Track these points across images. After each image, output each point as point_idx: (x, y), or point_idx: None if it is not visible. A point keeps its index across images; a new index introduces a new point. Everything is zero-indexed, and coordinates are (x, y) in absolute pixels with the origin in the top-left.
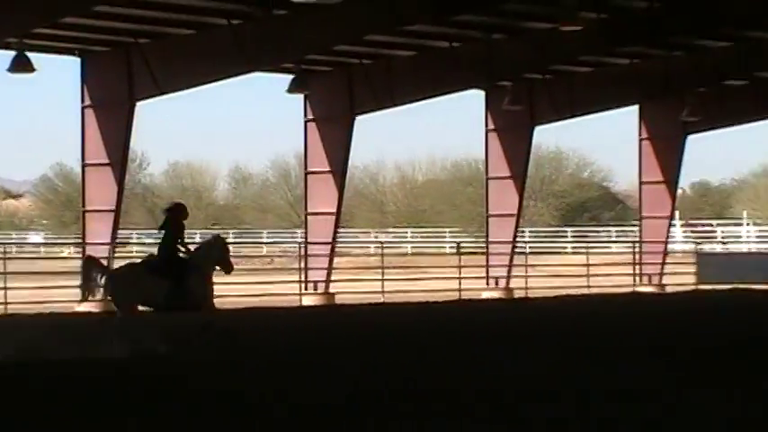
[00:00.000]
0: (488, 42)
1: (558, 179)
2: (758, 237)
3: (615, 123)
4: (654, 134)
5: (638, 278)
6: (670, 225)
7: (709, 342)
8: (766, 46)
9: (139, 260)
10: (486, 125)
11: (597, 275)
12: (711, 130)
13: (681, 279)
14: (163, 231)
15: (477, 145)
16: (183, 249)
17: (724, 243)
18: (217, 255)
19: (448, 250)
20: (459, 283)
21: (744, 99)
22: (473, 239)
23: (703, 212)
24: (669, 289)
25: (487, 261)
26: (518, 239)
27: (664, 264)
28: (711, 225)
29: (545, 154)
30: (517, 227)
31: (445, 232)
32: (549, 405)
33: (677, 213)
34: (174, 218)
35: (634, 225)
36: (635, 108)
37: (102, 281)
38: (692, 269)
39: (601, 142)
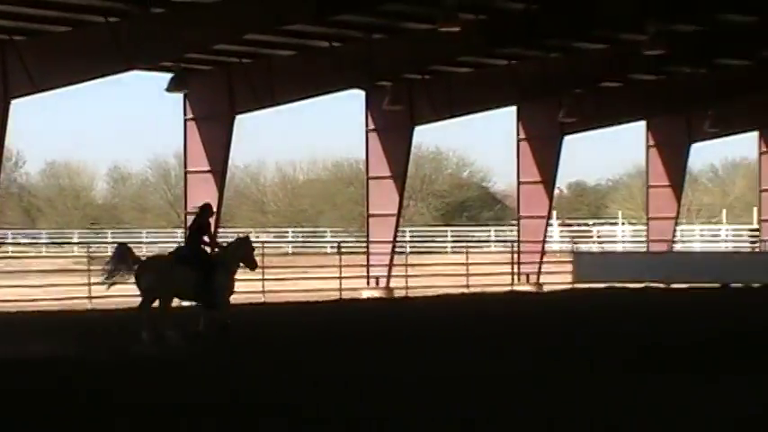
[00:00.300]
0: (368, 42)
1: (438, 179)
2: (632, 236)
3: (494, 124)
4: (531, 135)
5: (516, 277)
6: (547, 225)
7: (582, 339)
8: (640, 48)
9: (168, 252)
10: (367, 125)
11: (476, 275)
12: (587, 130)
13: (558, 278)
14: (189, 230)
15: (357, 145)
16: (210, 245)
17: (600, 242)
18: (242, 253)
19: (329, 250)
20: (340, 283)
21: (618, 100)
22: (354, 239)
23: (580, 212)
24: (546, 288)
25: (368, 261)
26: (398, 239)
27: (541, 263)
28: (587, 225)
29: (425, 154)
30: (397, 226)
31: (326, 232)
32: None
33: (554, 213)
34: (200, 218)
35: (512, 225)
36: (513, 109)
37: (135, 268)
38: (569, 268)
39: (480, 142)
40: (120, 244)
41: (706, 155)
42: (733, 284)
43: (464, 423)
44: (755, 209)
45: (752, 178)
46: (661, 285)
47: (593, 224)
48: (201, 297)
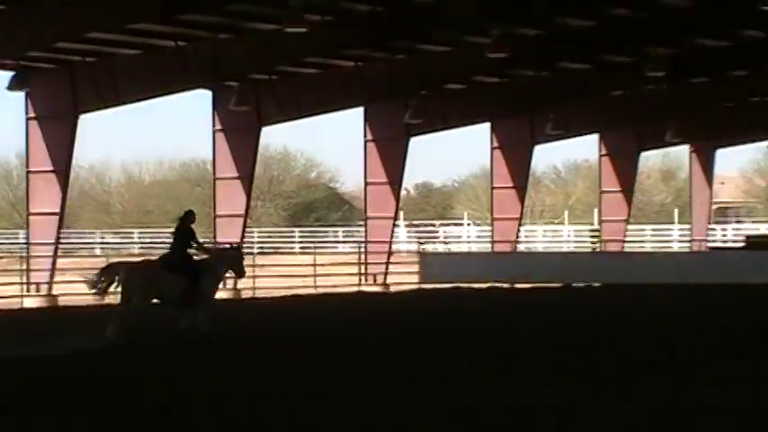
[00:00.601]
0: (215, 42)
1: (286, 180)
2: (477, 237)
3: (342, 125)
4: (378, 136)
5: (363, 278)
6: (394, 225)
7: (430, 338)
8: (483, 51)
9: (155, 258)
10: (214, 125)
11: (324, 275)
12: (433, 132)
13: (404, 278)
14: (174, 236)
15: (204, 145)
16: (197, 249)
17: (446, 243)
18: (231, 260)
19: None
20: None
21: (463, 102)
22: (201, 240)
23: (426, 213)
24: (393, 288)
25: None
26: (246, 240)
27: (388, 263)
28: (434, 225)
29: (273, 155)
30: (245, 227)
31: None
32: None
33: (401, 214)
34: (184, 224)
35: (360, 225)
36: (360, 110)
37: (121, 277)
38: (416, 269)
39: (328, 144)
40: (108, 264)
41: (549, 156)
42: (575, 284)
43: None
44: (596, 210)
45: (593, 180)
46: (505, 285)
47: (440, 225)
48: (186, 300)
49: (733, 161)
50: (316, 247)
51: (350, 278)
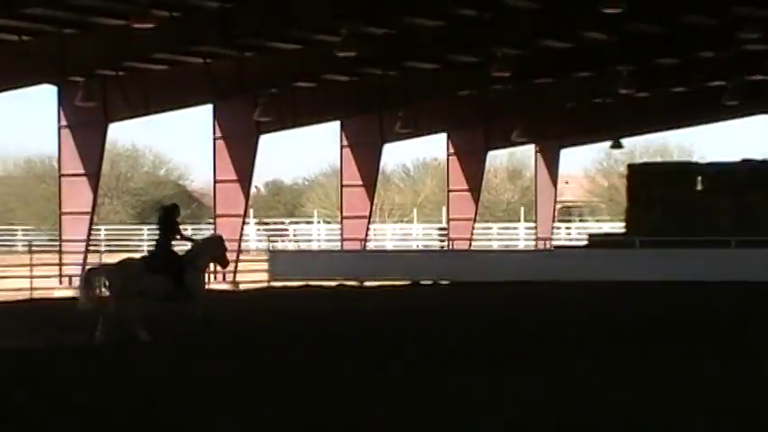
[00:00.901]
0: (60, 37)
1: (134, 177)
2: (327, 235)
3: (191, 122)
4: (228, 133)
5: (213, 276)
6: (244, 223)
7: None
8: (333, 49)
9: (138, 257)
10: (59, 121)
11: None
12: (283, 129)
13: (254, 276)
14: (158, 230)
15: (50, 141)
16: (181, 241)
17: (296, 241)
18: (213, 251)
19: (20, 248)
20: (31, 282)
21: (313, 100)
22: (47, 237)
23: (276, 211)
24: (243, 286)
25: (60, 259)
26: (92, 237)
27: (237, 261)
28: (284, 223)
29: (121, 151)
30: (91, 225)
31: (18, 230)
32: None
33: (251, 212)
34: (167, 217)
35: (209, 223)
36: (210, 107)
37: (104, 282)
38: (265, 266)
39: (177, 140)
40: (89, 270)
41: (398, 155)
42: (423, 282)
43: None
44: (444, 208)
45: (441, 178)
46: (354, 283)
47: (289, 223)
48: (174, 298)
49: (577, 161)
50: None
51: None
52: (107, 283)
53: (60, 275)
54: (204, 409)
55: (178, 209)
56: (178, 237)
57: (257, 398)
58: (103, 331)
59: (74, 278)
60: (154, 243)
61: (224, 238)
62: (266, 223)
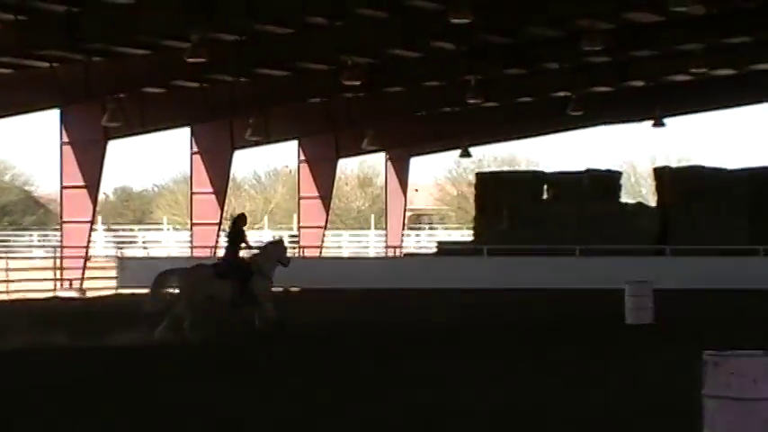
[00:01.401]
0: None
1: None
2: (177, 242)
3: (38, 127)
4: (75, 138)
5: (59, 283)
6: (91, 230)
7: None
8: (182, 55)
9: (209, 264)
10: None
11: (17, 281)
12: (132, 135)
13: (102, 283)
14: (227, 239)
15: None
16: (247, 249)
17: (145, 248)
18: (278, 255)
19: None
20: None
21: (163, 106)
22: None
23: (125, 217)
24: (90, 294)
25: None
26: None
27: (85, 269)
28: (133, 230)
29: None
30: None
31: None
32: None
33: (99, 218)
34: (236, 226)
35: (56, 230)
36: (56, 112)
37: (174, 283)
38: (114, 274)
39: (23, 146)
40: (162, 272)
41: (249, 162)
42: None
43: None
44: (295, 215)
45: (292, 186)
46: None
47: (139, 229)
48: (239, 303)
49: (427, 169)
50: (8, 252)
51: (45, 284)
52: (178, 286)
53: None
54: None
55: (245, 219)
56: (244, 245)
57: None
58: (165, 329)
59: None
60: (224, 250)
61: (283, 241)
62: (115, 230)
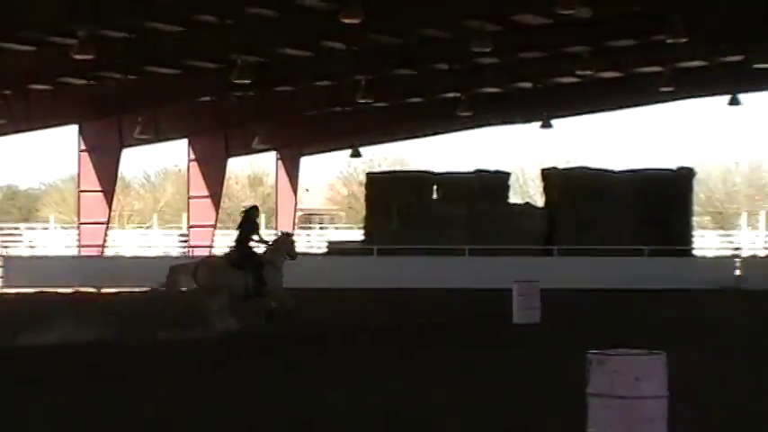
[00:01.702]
0: None
1: None
2: (65, 241)
3: None
4: None
5: None
6: None
7: None
8: (69, 51)
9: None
10: None
11: None
12: (17, 133)
13: None
14: (239, 229)
15: None
16: (258, 243)
17: (31, 247)
18: (287, 249)
19: None
20: None
21: (49, 104)
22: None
23: (11, 216)
24: None
25: None
26: None
27: None
28: (19, 228)
29: None
30: None
31: None
32: None
33: None
34: (249, 217)
35: None
36: None
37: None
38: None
39: None
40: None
41: (139, 161)
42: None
43: None
44: (185, 215)
45: (182, 184)
46: (92, 290)
47: (25, 228)
48: (254, 293)
49: (318, 169)
50: None
51: None
52: (196, 279)
53: None
54: None
55: (258, 210)
56: (256, 238)
57: None
58: (224, 322)
59: None
60: (234, 241)
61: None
62: (0, 228)
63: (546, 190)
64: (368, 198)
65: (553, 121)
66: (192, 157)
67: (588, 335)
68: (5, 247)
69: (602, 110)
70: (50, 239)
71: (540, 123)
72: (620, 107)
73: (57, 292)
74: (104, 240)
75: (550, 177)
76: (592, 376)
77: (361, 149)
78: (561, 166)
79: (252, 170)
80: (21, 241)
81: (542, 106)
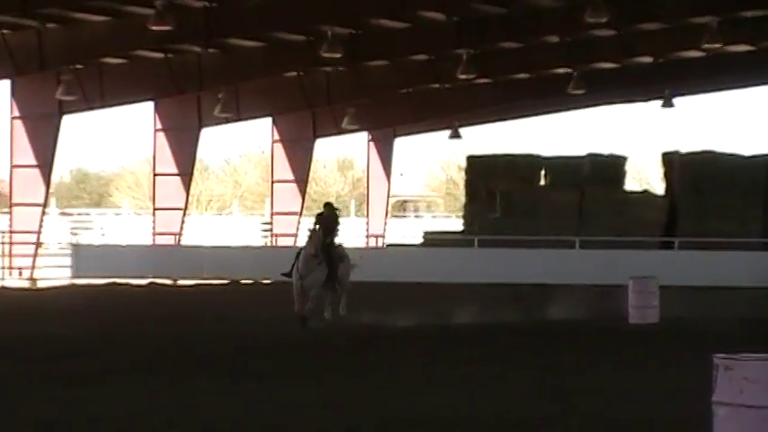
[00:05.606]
0: None
1: None
2: (138, 228)
3: None
4: (27, 113)
5: (7, 272)
6: (44, 213)
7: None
8: (145, 22)
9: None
10: None
11: None
12: (90, 110)
13: (55, 272)
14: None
15: None
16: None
17: (102, 234)
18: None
19: None
20: None
21: (123, 79)
22: None
23: (81, 200)
24: (42, 284)
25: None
26: None
27: (36, 256)
28: (89, 214)
29: None
30: None
31: None
32: None
33: (53, 201)
34: (334, 214)
35: (4, 213)
36: (7, 83)
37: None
38: (68, 262)
39: None
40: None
41: (219, 142)
42: (243, 281)
43: None
44: (268, 200)
45: (265, 168)
46: (167, 281)
47: (96, 214)
48: (329, 285)
49: (413, 152)
50: None
51: None
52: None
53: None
54: None
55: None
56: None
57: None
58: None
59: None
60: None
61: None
62: (69, 214)
63: (666, 176)
64: (468, 184)
65: (675, 100)
66: (277, 137)
67: (712, 337)
68: (75, 234)
69: (731, 87)
70: (123, 226)
71: (660, 102)
72: (753, 84)
73: (129, 284)
74: (181, 228)
75: (672, 162)
76: (718, 383)
77: (462, 130)
78: (684, 149)
79: (341, 153)
80: (91, 228)
81: (663, 83)
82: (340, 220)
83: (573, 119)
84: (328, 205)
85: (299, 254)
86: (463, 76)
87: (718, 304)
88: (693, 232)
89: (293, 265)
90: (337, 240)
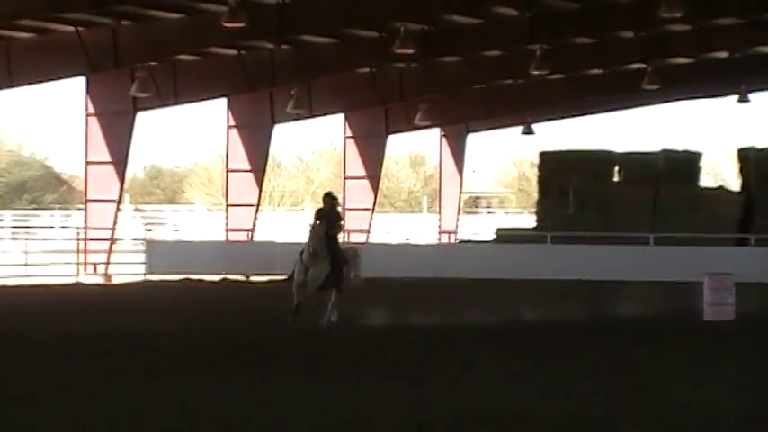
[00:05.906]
0: None
1: None
2: (211, 224)
3: (61, 96)
4: (102, 110)
5: (82, 267)
6: (118, 210)
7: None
8: (219, 19)
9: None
10: None
11: (37, 264)
12: (164, 107)
13: (130, 269)
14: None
15: None
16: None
17: (176, 230)
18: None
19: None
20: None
21: (197, 75)
22: None
23: (155, 197)
24: (116, 280)
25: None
26: None
27: (110, 252)
28: (163, 211)
29: None
30: None
31: None
32: None
33: (126, 197)
34: (334, 208)
35: (80, 209)
36: (82, 80)
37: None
38: (142, 258)
39: (45, 117)
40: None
41: (291, 138)
42: None
43: None
44: (341, 197)
45: (337, 164)
46: (240, 277)
47: (170, 211)
48: (327, 286)
49: (486, 148)
50: (28, 233)
51: (67, 268)
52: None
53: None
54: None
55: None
56: (337, 230)
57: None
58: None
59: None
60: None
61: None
62: (143, 210)
63: (743, 172)
64: (541, 180)
65: (751, 95)
66: (349, 134)
67: None
68: (149, 230)
69: None
70: (196, 223)
71: (736, 98)
72: None
73: (202, 280)
74: (254, 224)
75: (748, 158)
76: None
77: (535, 126)
78: (760, 145)
79: (414, 149)
80: (165, 225)
81: (739, 78)
82: (340, 213)
83: (647, 114)
84: (328, 195)
85: (302, 253)
86: (536, 72)
87: None
88: None
89: (293, 269)
90: (342, 240)
